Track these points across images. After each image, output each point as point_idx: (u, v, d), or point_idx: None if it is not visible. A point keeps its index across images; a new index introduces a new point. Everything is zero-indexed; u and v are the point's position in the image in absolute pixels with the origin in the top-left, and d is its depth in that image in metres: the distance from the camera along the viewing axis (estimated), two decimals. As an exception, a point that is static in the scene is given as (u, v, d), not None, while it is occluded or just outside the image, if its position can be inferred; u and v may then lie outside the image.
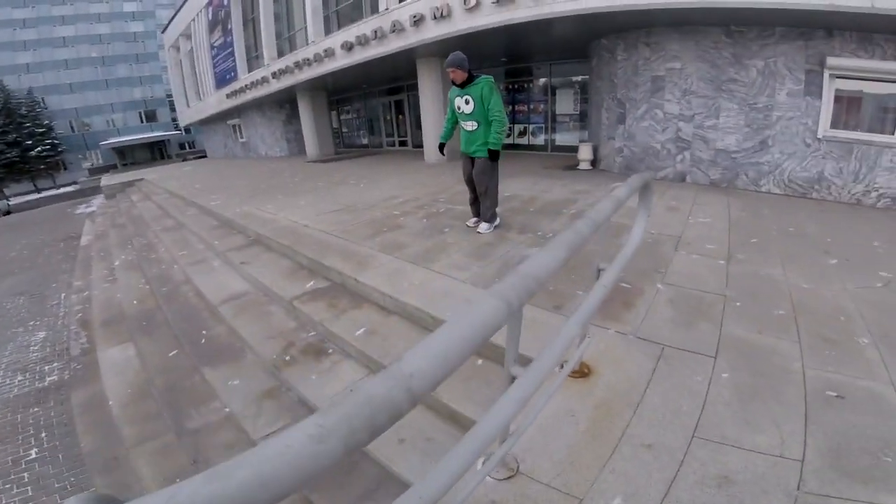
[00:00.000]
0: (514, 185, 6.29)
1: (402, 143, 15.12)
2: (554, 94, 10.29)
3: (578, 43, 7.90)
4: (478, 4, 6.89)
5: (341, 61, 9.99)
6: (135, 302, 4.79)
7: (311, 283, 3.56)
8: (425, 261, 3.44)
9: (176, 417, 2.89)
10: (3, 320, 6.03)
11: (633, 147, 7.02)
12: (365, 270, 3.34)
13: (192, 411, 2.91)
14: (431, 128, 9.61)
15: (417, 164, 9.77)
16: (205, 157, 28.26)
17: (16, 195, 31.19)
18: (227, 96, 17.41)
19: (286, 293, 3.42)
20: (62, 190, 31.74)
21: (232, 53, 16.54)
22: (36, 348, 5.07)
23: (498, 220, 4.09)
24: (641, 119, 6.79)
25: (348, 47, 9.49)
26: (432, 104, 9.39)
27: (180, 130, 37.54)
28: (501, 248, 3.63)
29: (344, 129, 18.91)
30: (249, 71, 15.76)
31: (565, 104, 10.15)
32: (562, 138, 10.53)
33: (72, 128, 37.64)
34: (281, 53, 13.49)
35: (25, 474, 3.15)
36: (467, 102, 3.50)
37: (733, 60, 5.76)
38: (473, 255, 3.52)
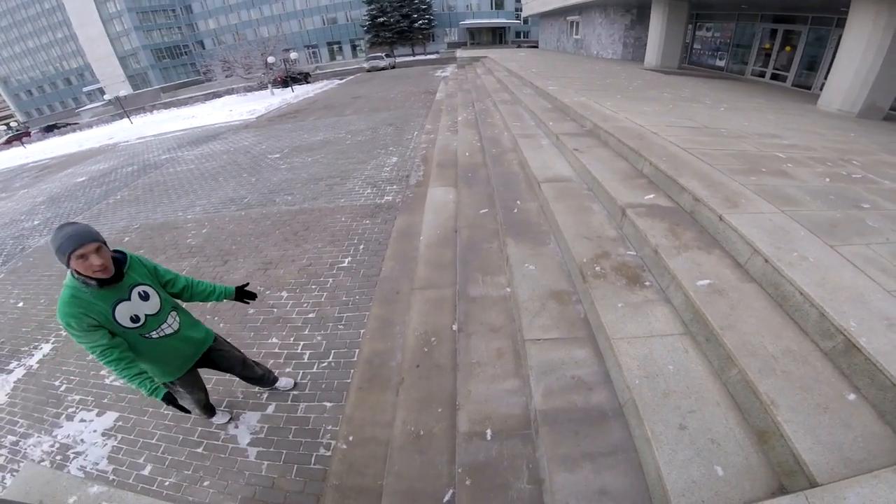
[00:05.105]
0: None
1: (776, 77, 11.39)
2: None
3: None
4: None
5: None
6: (467, 154, 5.44)
7: (651, 195, 3.01)
8: (827, 235, 2.30)
9: (463, 276, 3.00)
10: (375, 142, 8.18)
11: None
12: (734, 210, 2.52)
13: (479, 276, 2.98)
14: (848, 70, 6.57)
15: (802, 107, 7.02)
16: (536, 47, 29.31)
17: (399, 55, 41.45)
18: (577, -8, 16.56)
19: (620, 197, 3.00)
20: (428, 56, 40.06)
21: (592, -51, 15.49)
22: (387, 169, 6.47)
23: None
24: None
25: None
26: (866, 45, 6.29)
27: (519, 20, 39.62)
28: None
29: (695, 46, 15.65)
30: (607, -32, 14.31)
31: None
32: None
33: (442, 8, 45.00)
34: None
35: (330, 279, 3.67)
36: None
37: None
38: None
